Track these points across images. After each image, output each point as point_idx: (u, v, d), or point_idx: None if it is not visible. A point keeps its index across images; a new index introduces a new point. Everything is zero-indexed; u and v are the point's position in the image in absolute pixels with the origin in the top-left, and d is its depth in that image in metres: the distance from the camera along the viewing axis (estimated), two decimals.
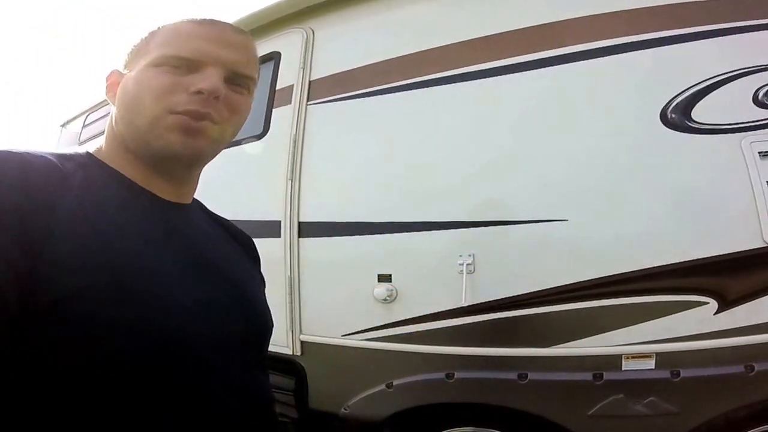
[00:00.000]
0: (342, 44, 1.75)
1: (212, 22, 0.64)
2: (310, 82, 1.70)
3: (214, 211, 0.77)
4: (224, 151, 0.68)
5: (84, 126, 3.17)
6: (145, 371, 0.51)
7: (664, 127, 1.36)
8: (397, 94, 1.54)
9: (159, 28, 0.64)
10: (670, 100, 1.37)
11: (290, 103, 1.73)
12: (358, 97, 1.60)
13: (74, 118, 3.36)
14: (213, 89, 0.59)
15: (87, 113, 3.20)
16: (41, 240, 0.47)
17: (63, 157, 0.58)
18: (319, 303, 1.61)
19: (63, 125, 3.51)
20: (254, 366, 0.66)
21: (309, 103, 1.69)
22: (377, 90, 1.57)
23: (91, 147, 0.65)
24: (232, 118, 0.63)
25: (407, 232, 1.44)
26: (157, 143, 0.59)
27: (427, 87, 1.50)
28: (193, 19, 0.64)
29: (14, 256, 0.45)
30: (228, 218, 0.78)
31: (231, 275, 0.67)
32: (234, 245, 0.75)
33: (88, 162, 0.60)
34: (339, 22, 1.80)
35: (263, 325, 0.70)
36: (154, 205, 0.62)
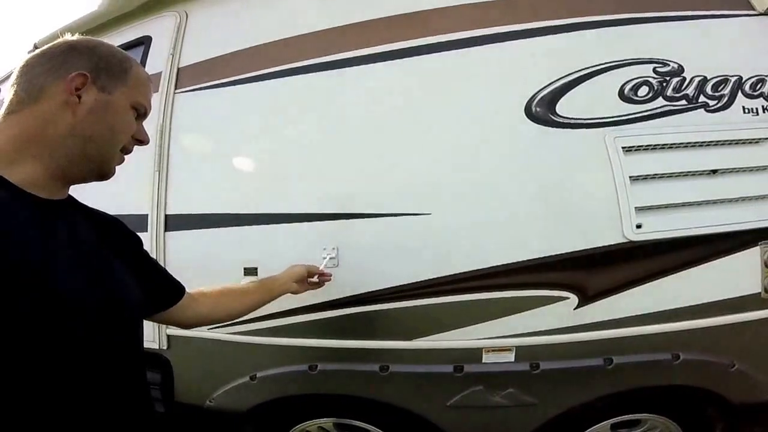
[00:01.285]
0: (214, 29, 1.60)
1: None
2: (178, 69, 1.55)
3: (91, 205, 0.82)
4: None
5: None
6: (26, 359, 0.58)
7: (529, 121, 1.31)
8: (264, 82, 1.42)
9: (131, 65, 0.75)
10: (535, 94, 1.31)
11: (157, 91, 1.58)
12: (226, 86, 1.47)
13: None
14: (148, 142, 0.79)
15: None
16: None
17: None
18: None
19: None
20: (127, 348, 0.75)
21: (177, 91, 1.54)
22: (245, 78, 1.44)
23: None
24: None
25: (273, 224, 1.35)
26: (106, 168, 0.74)
27: (293, 75, 1.38)
28: (141, 67, 0.78)
29: None
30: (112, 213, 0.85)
31: (97, 265, 0.72)
32: (95, 233, 0.78)
33: None
34: (214, 5, 1.65)
35: (123, 306, 0.75)
36: (36, 206, 0.67)
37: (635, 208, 1.29)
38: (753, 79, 1.51)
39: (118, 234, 0.85)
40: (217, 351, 1.42)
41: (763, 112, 1.50)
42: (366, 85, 1.36)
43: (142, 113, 0.75)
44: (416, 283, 1.28)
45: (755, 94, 1.51)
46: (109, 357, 0.69)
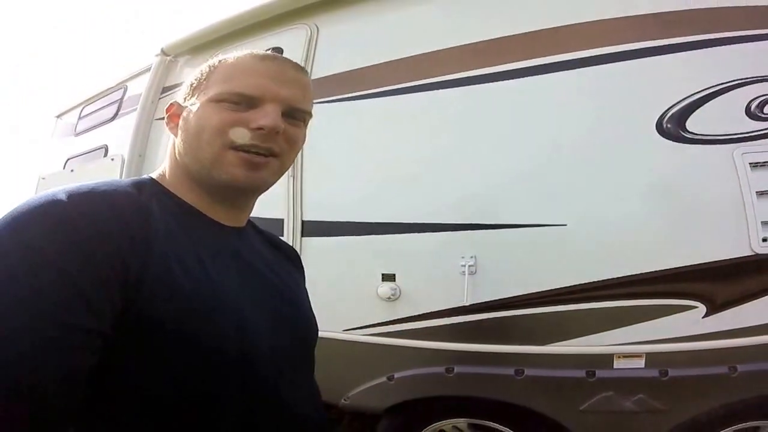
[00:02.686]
0: (341, 44, 1.78)
1: (273, 58, 0.67)
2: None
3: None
4: None
5: (80, 118, 3.14)
6: (223, 382, 0.56)
7: (660, 136, 1.43)
8: (409, 95, 1.58)
9: (219, 62, 0.66)
10: (666, 110, 1.44)
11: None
12: (355, 99, 1.65)
13: (70, 110, 3.33)
14: (274, 126, 0.62)
15: (83, 105, 3.17)
16: (139, 276, 0.51)
17: (135, 186, 0.61)
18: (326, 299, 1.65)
19: (58, 116, 3.47)
20: (309, 372, 0.75)
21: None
22: (376, 92, 1.61)
23: (153, 173, 0.69)
24: (291, 150, 0.67)
25: (412, 232, 1.48)
26: (222, 177, 0.62)
27: (434, 90, 1.54)
28: (254, 54, 0.66)
29: (115, 297, 0.49)
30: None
31: (288, 293, 0.72)
32: (284, 262, 0.80)
33: (157, 191, 0.64)
34: (345, 20, 1.83)
35: (315, 335, 0.78)
36: (218, 231, 0.66)
37: (761, 222, 1.38)
38: None
39: (299, 261, 0.87)
40: (354, 352, 1.53)
41: None
42: (501, 100, 1.51)
43: (235, 101, 0.63)
44: (551, 290, 1.38)
45: None
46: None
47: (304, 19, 1.90)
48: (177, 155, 0.66)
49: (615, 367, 1.39)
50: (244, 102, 0.62)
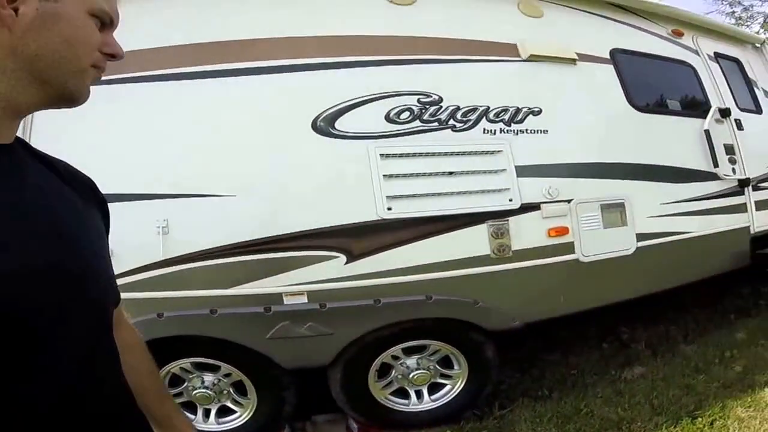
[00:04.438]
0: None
1: None
2: None
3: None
4: None
5: None
6: None
7: (314, 132, 1.89)
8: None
9: None
10: (321, 113, 1.90)
11: None
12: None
13: None
14: (122, 56, 0.62)
15: None
16: None
17: None
18: None
19: None
20: (101, 334, 0.63)
21: None
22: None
23: None
24: None
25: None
26: (73, 90, 0.59)
27: (148, 83, 1.86)
28: None
29: None
30: None
31: (73, 234, 0.60)
32: (72, 193, 0.64)
33: None
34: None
35: (108, 290, 0.67)
36: None
37: (386, 196, 1.89)
38: (498, 109, 2.16)
39: (97, 192, 0.73)
40: None
41: (500, 132, 2.15)
42: (197, 95, 1.87)
43: (107, 22, 0.60)
44: (230, 245, 1.80)
45: (497, 119, 2.16)
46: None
47: None
48: (14, 46, 0.54)
49: (285, 303, 1.87)
50: (107, 24, 0.61)
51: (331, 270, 1.86)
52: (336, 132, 1.93)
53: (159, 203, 1.82)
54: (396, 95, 2.03)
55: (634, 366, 2.47)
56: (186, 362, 1.94)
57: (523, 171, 2.12)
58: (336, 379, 1.97)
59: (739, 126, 2.94)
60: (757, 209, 2.86)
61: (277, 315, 1.86)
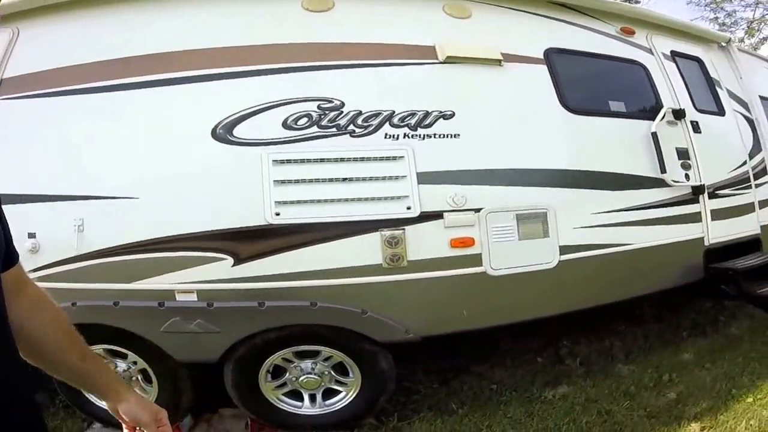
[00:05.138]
0: (40, 45, 2.18)
1: None
2: (1, 79, 2.12)
3: None
4: None
5: None
6: None
7: (213, 139, 1.97)
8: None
9: None
10: (221, 121, 1.97)
11: None
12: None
13: None
14: None
15: None
16: None
17: None
18: None
19: None
20: None
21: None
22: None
23: None
24: None
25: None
26: None
27: (64, 96, 2.04)
28: None
29: None
30: None
31: None
32: None
33: None
34: (44, 24, 2.18)
35: None
36: None
37: (275, 202, 1.93)
38: (404, 113, 2.13)
39: None
40: None
41: (404, 137, 2.11)
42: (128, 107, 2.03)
43: None
44: (130, 243, 1.93)
45: (401, 124, 2.13)
46: None
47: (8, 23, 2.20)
48: None
49: (177, 299, 1.98)
50: None
51: (219, 271, 1.95)
52: (233, 139, 2.00)
53: (76, 204, 2.00)
54: (296, 102, 2.06)
55: (560, 385, 2.34)
56: (98, 348, 2.11)
57: (426, 178, 2.07)
58: (228, 377, 2.06)
59: (696, 128, 2.67)
60: (714, 219, 2.60)
61: (169, 310, 1.98)
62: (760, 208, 2.95)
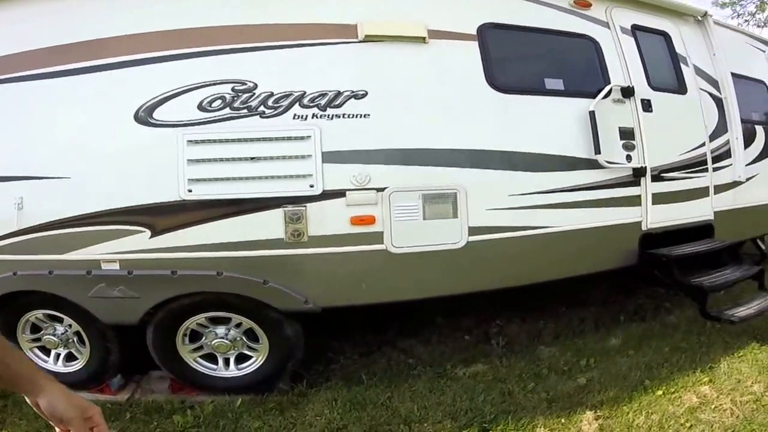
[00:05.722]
0: None
1: None
2: None
3: None
4: None
5: None
6: None
7: (135, 122, 2.12)
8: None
9: None
10: (143, 104, 2.12)
11: None
12: None
13: None
14: None
15: None
16: None
17: None
18: None
19: None
20: None
21: None
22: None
23: None
24: None
25: None
26: None
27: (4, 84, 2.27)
28: None
29: None
30: None
31: None
32: None
33: None
34: None
35: None
36: None
37: (188, 179, 2.07)
38: (314, 94, 2.19)
39: None
40: None
41: (312, 118, 2.18)
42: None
43: None
44: (66, 218, 2.15)
45: (311, 105, 2.19)
46: None
47: None
48: None
49: (102, 268, 2.17)
50: None
51: (138, 243, 2.12)
52: (153, 121, 2.15)
53: (16, 184, 2.22)
54: (212, 84, 2.17)
55: (476, 363, 2.37)
56: (39, 313, 2.37)
57: (332, 157, 2.15)
58: (150, 338, 2.25)
59: (647, 107, 2.53)
60: (656, 203, 2.48)
61: (96, 278, 2.18)
62: (716, 193, 2.79)
